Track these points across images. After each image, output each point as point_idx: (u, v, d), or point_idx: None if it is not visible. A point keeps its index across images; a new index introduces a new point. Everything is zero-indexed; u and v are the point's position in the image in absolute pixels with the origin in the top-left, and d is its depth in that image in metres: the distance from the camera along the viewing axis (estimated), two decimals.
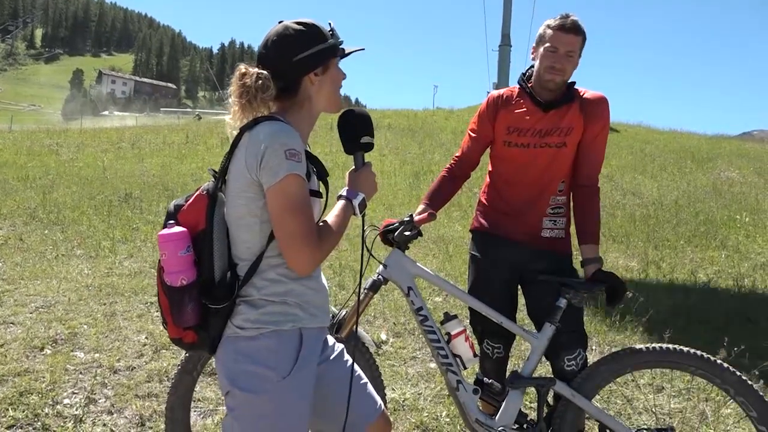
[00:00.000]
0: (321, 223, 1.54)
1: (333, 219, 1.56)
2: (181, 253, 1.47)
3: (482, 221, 2.45)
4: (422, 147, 13.97)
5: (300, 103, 1.58)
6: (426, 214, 2.18)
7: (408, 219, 2.22)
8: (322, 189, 1.60)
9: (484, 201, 2.47)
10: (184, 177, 10.22)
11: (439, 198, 2.43)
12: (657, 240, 6.72)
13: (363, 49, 1.67)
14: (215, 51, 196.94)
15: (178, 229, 1.49)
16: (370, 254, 2.07)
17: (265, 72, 1.53)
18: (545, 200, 2.31)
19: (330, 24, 1.62)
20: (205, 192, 1.54)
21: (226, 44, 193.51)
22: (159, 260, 1.53)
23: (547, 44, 2.20)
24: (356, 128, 1.65)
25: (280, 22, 1.59)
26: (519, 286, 2.40)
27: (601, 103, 2.25)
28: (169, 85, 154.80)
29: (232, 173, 1.51)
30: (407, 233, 2.19)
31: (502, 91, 2.39)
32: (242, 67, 1.55)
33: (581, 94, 2.28)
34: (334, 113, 1.65)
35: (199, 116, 31.02)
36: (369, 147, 1.66)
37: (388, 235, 2.25)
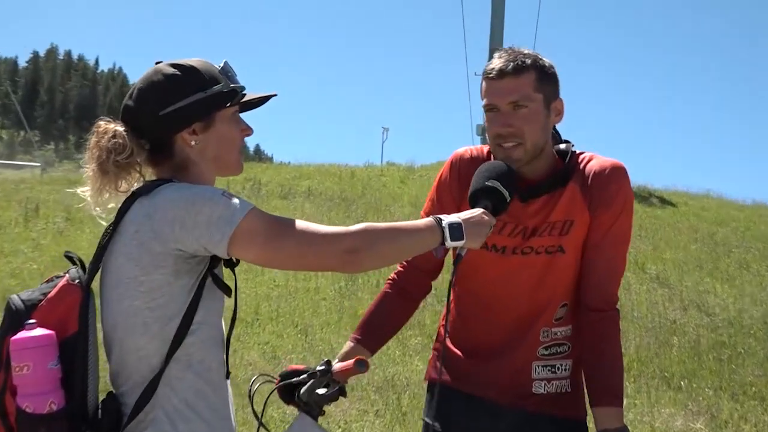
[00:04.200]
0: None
1: (404, 222, 1.96)
2: (50, 366, 1.67)
3: (441, 368, 2.46)
4: None
5: (183, 166, 1.91)
6: (352, 362, 2.15)
7: (323, 368, 2.24)
8: (229, 279, 1.92)
9: (445, 335, 2.52)
10: None
11: (380, 328, 2.49)
12: (735, 385, 6.90)
13: (275, 95, 2.02)
14: (23, 63, 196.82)
15: (42, 331, 1.67)
16: (261, 424, 2.10)
17: (120, 129, 1.86)
18: (535, 335, 2.39)
19: (223, 64, 1.95)
20: (76, 281, 1.78)
21: (42, 53, 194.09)
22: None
23: (484, 103, 2.34)
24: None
25: (157, 63, 1.94)
26: None
27: (613, 177, 2.34)
28: None
29: (119, 255, 1.80)
30: (321, 391, 2.21)
31: (473, 150, 2.49)
32: (101, 124, 1.88)
33: (581, 164, 2.38)
34: (235, 176, 1.92)
35: (43, 168, 32.48)
36: (496, 196, 2.15)
37: (292, 390, 2.26)
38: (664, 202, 17.94)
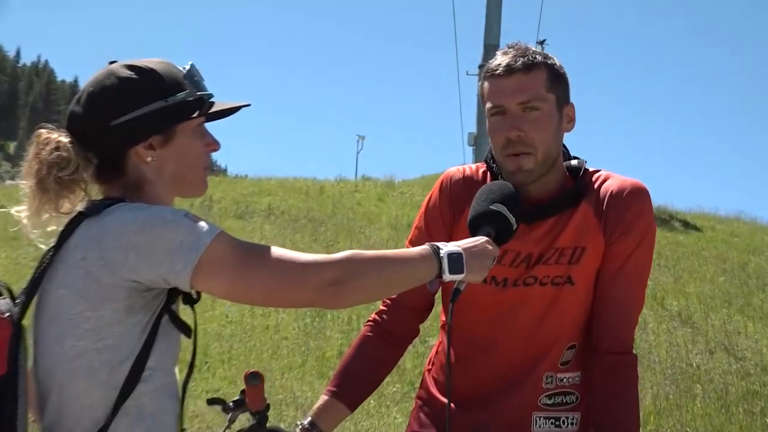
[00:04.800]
0: None
1: (395, 251, 1.99)
2: None
3: (427, 421, 2.52)
4: (330, 252, 14.04)
5: (137, 185, 1.92)
6: (244, 379, 2.23)
7: (237, 399, 2.26)
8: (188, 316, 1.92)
9: (431, 382, 2.56)
10: None
11: (360, 379, 2.50)
12: None
13: (248, 105, 2.07)
14: None
15: None
16: None
17: (65, 140, 1.87)
18: (536, 381, 2.40)
19: (189, 67, 1.97)
20: (6, 315, 1.75)
21: None
22: None
23: (488, 105, 2.36)
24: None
25: (111, 63, 1.95)
26: None
27: (633, 199, 2.37)
28: None
29: (60, 286, 1.80)
30: None
31: (466, 169, 2.53)
32: (42, 133, 1.89)
33: (595, 183, 2.42)
34: (197, 197, 1.93)
35: None
36: (500, 223, 2.15)
37: None
38: (687, 226, 18.03)
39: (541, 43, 25.88)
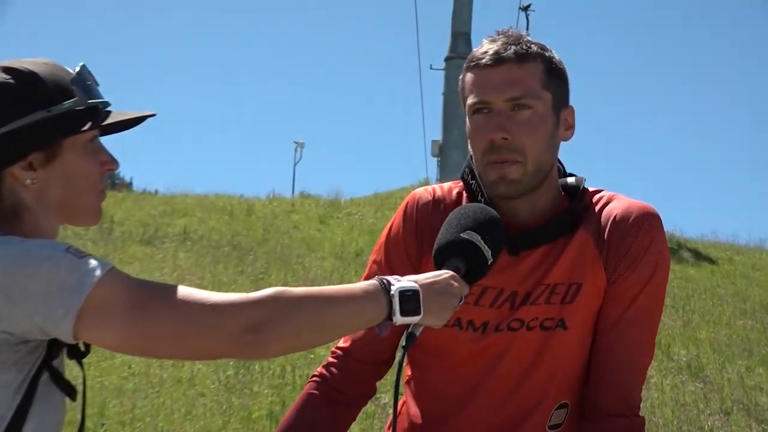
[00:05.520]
0: None
1: (333, 287, 1.98)
2: None
3: None
4: (260, 287, 14.03)
5: (12, 213, 1.92)
6: None
7: None
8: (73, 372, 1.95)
9: None
10: None
11: None
12: None
13: (152, 115, 2.08)
14: None
15: None
16: None
17: None
18: None
19: (79, 69, 1.98)
20: None
21: None
22: None
23: (471, 100, 2.35)
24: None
25: None
26: None
27: (642, 226, 2.38)
28: None
29: None
30: None
31: (437, 190, 2.53)
32: None
33: (596, 206, 2.43)
34: (90, 226, 2.04)
35: None
36: (472, 255, 2.12)
37: None
38: (699, 257, 18.22)
39: (525, 9, 26.25)
